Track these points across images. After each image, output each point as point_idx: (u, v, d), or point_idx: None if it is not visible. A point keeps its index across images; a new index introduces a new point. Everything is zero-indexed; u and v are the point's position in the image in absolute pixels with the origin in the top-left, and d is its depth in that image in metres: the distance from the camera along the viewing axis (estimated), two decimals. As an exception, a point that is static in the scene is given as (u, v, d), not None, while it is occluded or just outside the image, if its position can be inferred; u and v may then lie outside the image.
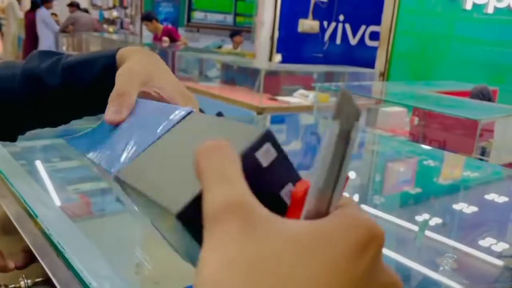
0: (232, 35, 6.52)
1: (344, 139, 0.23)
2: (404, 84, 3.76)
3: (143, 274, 0.74)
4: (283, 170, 0.27)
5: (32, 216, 0.56)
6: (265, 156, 0.27)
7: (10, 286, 0.55)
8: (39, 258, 0.52)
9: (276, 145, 0.27)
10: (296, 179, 0.28)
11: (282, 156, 0.27)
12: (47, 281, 0.48)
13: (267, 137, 0.27)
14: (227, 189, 0.23)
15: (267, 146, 0.27)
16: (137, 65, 0.48)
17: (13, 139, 0.59)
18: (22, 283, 0.54)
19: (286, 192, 0.27)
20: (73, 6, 6.99)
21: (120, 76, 0.46)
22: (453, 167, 1.57)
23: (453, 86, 3.68)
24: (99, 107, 0.54)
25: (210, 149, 0.24)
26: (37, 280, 0.53)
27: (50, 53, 0.57)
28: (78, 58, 0.54)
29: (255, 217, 0.22)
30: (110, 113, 0.44)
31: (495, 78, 4.31)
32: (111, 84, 0.48)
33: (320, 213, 0.24)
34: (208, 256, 0.22)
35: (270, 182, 0.27)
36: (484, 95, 2.78)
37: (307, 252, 0.22)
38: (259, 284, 0.21)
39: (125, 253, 0.55)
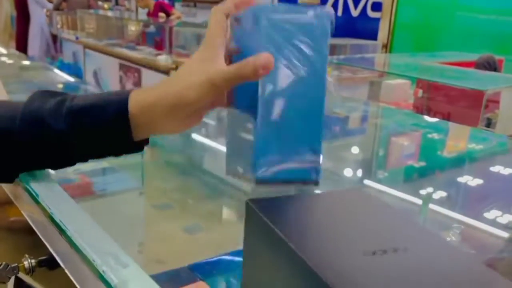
0: None
1: None
2: (407, 56, 3.73)
3: (146, 252, 0.75)
4: None
5: (33, 196, 0.56)
6: None
7: (13, 265, 0.56)
8: (41, 237, 0.53)
9: None
10: None
11: None
12: (50, 259, 0.49)
13: None
14: None
15: None
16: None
17: (9, 180, 0.58)
18: (25, 262, 0.54)
19: None
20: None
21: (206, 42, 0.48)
22: (458, 139, 1.57)
23: (457, 57, 3.65)
24: (107, 153, 0.55)
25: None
26: (40, 258, 0.53)
27: (52, 93, 0.55)
28: (86, 102, 0.52)
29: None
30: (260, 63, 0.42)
31: (501, 48, 4.27)
32: (122, 131, 0.49)
33: None
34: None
35: None
36: (490, 65, 2.76)
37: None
38: None
39: (127, 231, 0.56)
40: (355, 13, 5.17)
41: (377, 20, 4.84)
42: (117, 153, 0.55)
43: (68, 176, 1.01)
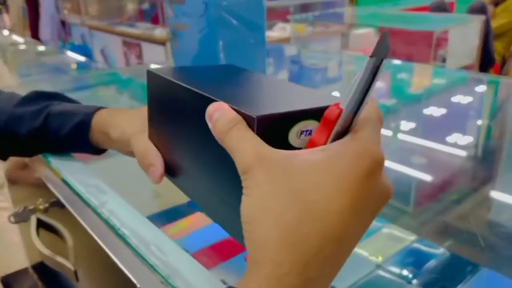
0: None
1: (374, 73, 0.25)
2: (371, 8, 3.69)
3: (144, 189, 0.76)
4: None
5: (48, 164, 0.60)
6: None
7: (30, 207, 0.61)
8: (50, 186, 0.58)
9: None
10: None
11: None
12: (60, 201, 0.54)
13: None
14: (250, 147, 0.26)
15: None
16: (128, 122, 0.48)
17: (3, 159, 0.62)
18: (40, 205, 0.59)
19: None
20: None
21: (133, 140, 0.45)
22: (421, 77, 1.57)
23: (414, 3, 3.60)
24: (69, 150, 0.58)
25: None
26: (52, 200, 0.58)
27: (45, 95, 0.58)
28: (62, 108, 0.55)
29: (273, 161, 0.25)
30: (151, 176, 0.42)
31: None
32: (81, 134, 0.51)
33: (342, 133, 0.27)
34: (244, 199, 0.26)
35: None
36: (442, 9, 2.75)
37: (324, 179, 0.25)
38: (290, 210, 0.24)
39: (127, 179, 0.61)
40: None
41: (344, -23, 4.72)
42: (79, 151, 0.58)
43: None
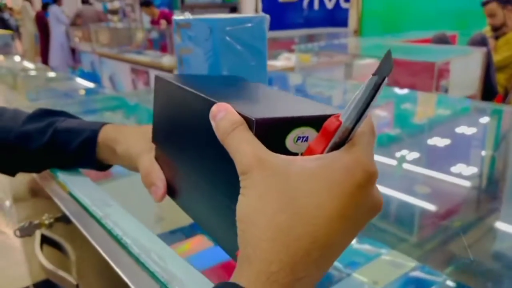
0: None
1: (376, 90, 0.25)
2: (374, 39, 3.74)
3: (147, 212, 0.76)
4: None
5: (56, 178, 0.61)
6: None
7: (35, 222, 0.61)
8: (56, 201, 0.59)
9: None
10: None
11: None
12: (65, 216, 0.55)
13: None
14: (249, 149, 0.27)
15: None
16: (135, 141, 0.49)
17: (11, 175, 0.61)
18: (46, 220, 0.59)
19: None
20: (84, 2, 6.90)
21: (140, 158, 0.46)
22: (425, 106, 1.57)
23: (416, 35, 3.66)
24: (76, 166, 0.59)
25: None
26: (57, 215, 0.58)
27: (50, 112, 0.59)
28: (68, 124, 0.56)
29: (272, 165, 0.27)
30: (153, 195, 0.43)
31: (456, 24, 4.27)
32: (88, 151, 0.52)
33: (339, 144, 0.28)
34: (241, 199, 0.27)
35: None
36: (443, 41, 2.79)
37: (318, 186, 0.26)
38: (284, 212, 0.26)
39: (134, 198, 0.61)
40: (329, 5, 5.15)
41: (348, 10, 4.83)
42: (85, 167, 0.59)
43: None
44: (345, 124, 0.27)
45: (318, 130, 0.29)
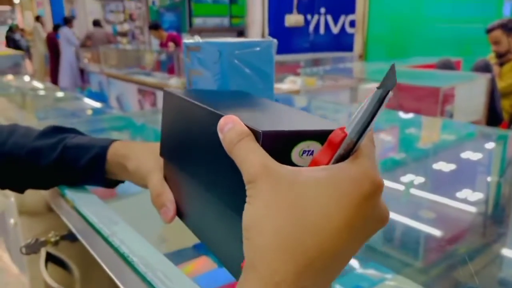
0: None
1: (380, 103, 0.26)
2: (379, 63, 3.77)
3: (151, 233, 0.77)
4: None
5: (63, 196, 0.62)
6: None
7: (41, 239, 0.61)
8: (63, 217, 0.59)
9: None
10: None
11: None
12: (72, 233, 0.55)
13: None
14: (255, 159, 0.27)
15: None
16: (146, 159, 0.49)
17: (20, 192, 0.62)
18: (52, 237, 0.60)
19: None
20: (96, 24, 7.04)
21: (150, 177, 0.47)
22: (430, 130, 1.57)
23: (421, 61, 3.69)
24: (85, 183, 0.59)
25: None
26: (63, 234, 0.58)
27: (61, 129, 0.60)
28: (78, 141, 0.56)
29: (278, 174, 0.27)
30: (163, 216, 0.44)
31: (461, 51, 4.31)
32: (97, 167, 0.52)
33: (344, 156, 0.28)
34: (247, 207, 0.27)
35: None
36: (448, 67, 2.80)
37: (325, 197, 0.26)
38: (290, 221, 0.26)
39: (137, 218, 0.61)
40: (335, 30, 5.22)
41: (354, 35, 4.88)
42: (94, 184, 0.59)
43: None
44: (350, 136, 0.27)
45: (323, 145, 0.29)
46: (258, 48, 0.49)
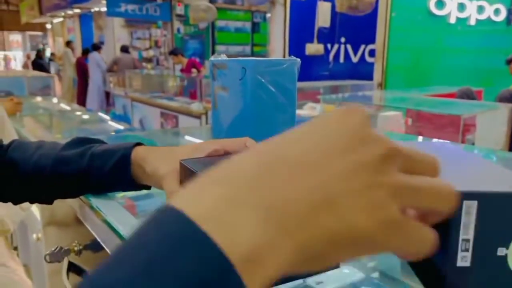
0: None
1: None
2: (398, 92, 3.76)
3: None
4: None
5: (93, 209, 0.62)
6: None
7: (65, 248, 0.61)
8: (88, 227, 0.59)
9: None
10: None
11: None
12: (94, 243, 0.54)
13: None
14: None
15: None
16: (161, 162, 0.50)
17: (49, 202, 0.62)
18: (75, 246, 0.59)
19: None
20: (123, 50, 7.24)
21: (165, 180, 0.48)
22: None
23: (440, 90, 3.66)
24: (113, 188, 0.59)
25: None
26: (86, 243, 0.58)
27: (87, 140, 0.60)
28: (104, 147, 0.57)
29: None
30: None
31: (481, 81, 4.26)
32: (123, 169, 0.53)
33: None
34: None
35: None
36: (468, 96, 2.76)
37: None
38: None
39: None
40: (355, 59, 5.25)
41: (373, 64, 4.90)
42: (121, 188, 0.58)
43: (116, 200, 1.07)
44: None
45: None
46: (282, 66, 0.49)
